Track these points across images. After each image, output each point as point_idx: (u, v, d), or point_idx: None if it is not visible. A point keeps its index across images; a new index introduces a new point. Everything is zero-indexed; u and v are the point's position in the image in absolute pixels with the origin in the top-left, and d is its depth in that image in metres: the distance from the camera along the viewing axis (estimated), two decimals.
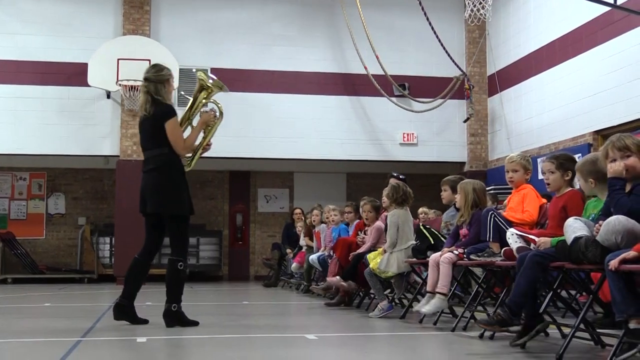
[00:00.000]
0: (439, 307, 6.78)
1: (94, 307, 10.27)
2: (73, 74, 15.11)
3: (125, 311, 7.21)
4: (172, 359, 5.38)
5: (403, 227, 8.17)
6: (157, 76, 7.18)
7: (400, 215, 8.22)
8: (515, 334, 5.47)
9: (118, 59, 14.93)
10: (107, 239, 17.05)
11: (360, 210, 10.01)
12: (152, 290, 13.57)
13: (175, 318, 7.03)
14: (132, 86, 14.98)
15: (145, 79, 7.19)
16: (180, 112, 7.37)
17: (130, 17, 15.80)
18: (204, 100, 7.41)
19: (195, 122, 7.38)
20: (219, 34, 16.15)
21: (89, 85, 14.93)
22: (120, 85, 14.99)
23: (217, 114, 7.38)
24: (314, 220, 12.52)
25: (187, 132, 7.37)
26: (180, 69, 15.24)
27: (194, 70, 7.64)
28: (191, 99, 7.46)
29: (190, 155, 7.42)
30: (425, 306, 6.82)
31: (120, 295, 7.25)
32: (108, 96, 15.45)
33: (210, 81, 7.45)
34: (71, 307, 10.27)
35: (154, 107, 7.07)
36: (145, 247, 7.29)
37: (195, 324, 7.07)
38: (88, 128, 15.36)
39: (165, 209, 7.05)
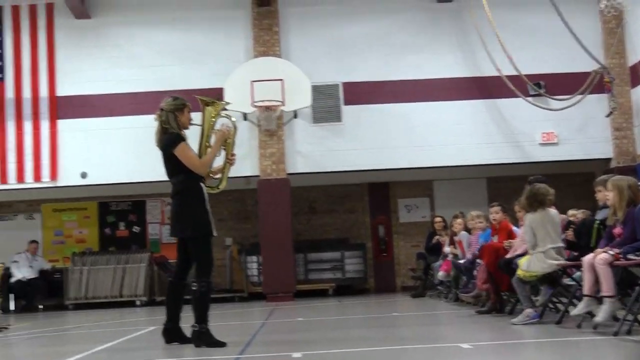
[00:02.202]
0: (612, 311, 6.54)
1: (247, 325, 10.52)
2: (216, 97, 15.54)
3: (173, 334, 7.34)
4: None
5: (538, 229, 7.95)
6: (168, 105, 7.33)
7: (533, 218, 8.01)
8: None
9: (252, 81, 15.23)
10: (254, 258, 17.38)
11: (492, 215, 9.99)
12: (305, 306, 13.78)
13: (200, 339, 7.04)
14: (267, 106, 15.28)
15: (160, 109, 7.36)
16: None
17: (261, 39, 16.16)
18: (212, 118, 7.45)
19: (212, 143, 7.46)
20: (349, 48, 16.25)
21: (225, 109, 15.32)
22: (255, 106, 15.32)
23: (231, 127, 7.45)
24: (455, 229, 12.40)
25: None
26: (312, 86, 15.45)
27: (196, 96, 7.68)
28: (200, 124, 7.47)
29: (218, 176, 7.60)
30: (599, 315, 6.57)
31: (165, 319, 7.39)
32: (245, 118, 15.80)
33: (206, 98, 7.54)
34: (225, 325, 10.53)
35: (162, 137, 7.31)
36: (177, 269, 7.53)
37: (222, 344, 7.02)
38: None
39: (181, 232, 7.28)
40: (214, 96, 7.72)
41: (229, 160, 7.52)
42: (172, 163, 7.29)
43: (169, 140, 7.25)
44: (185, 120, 7.38)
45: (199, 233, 7.20)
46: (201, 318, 7.07)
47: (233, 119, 7.60)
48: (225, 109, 7.69)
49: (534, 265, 7.90)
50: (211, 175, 7.56)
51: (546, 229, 7.98)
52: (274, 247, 15.49)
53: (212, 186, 7.52)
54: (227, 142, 7.44)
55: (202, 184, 7.34)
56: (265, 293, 15.74)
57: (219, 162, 7.61)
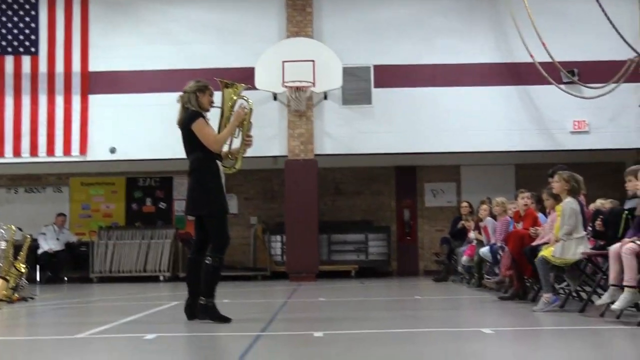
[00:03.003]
0: (630, 301, 6.49)
1: (269, 303, 10.58)
2: (241, 79, 15.44)
3: (195, 310, 7.37)
4: (349, 353, 5.44)
5: (578, 215, 7.92)
6: (191, 87, 7.47)
7: (575, 203, 7.96)
8: None
9: (283, 62, 15.25)
10: (278, 237, 17.48)
11: (523, 200, 9.97)
12: (327, 286, 13.82)
13: (206, 313, 7.17)
14: (297, 87, 15.28)
15: (183, 92, 7.48)
16: None
17: (294, 20, 16.11)
18: (233, 97, 7.57)
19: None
20: (381, 31, 16.17)
21: (256, 89, 15.34)
22: (286, 86, 15.33)
23: (247, 109, 7.50)
24: (481, 215, 12.37)
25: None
26: (344, 68, 15.43)
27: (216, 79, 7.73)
28: (220, 106, 7.59)
29: (234, 155, 7.62)
30: (617, 302, 6.52)
31: (187, 296, 7.47)
32: (275, 98, 15.83)
33: (226, 80, 7.63)
34: (248, 303, 10.63)
35: (183, 115, 7.41)
36: (195, 246, 7.63)
37: (227, 320, 7.12)
38: (256, 130, 15.49)
39: (197, 210, 7.39)
40: (234, 79, 7.75)
41: (245, 142, 7.58)
42: (190, 140, 7.37)
43: (188, 116, 7.35)
44: (205, 102, 7.48)
45: (215, 211, 7.30)
46: (208, 292, 7.21)
47: (250, 100, 7.62)
48: (252, 88, 7.74)
49: (567, 252, 7.84)
50: (229, 156, 7.61)
51: (582, 216, 7.96)
52: (298, 227, 15.54)
53: (228, 166, 7.61)
54: (243, 123, 7.51)
55: (218, 163, 7.42)
56: (288, 272, 15.81)
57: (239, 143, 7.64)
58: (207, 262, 7.22)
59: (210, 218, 7.33)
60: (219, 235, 7.32)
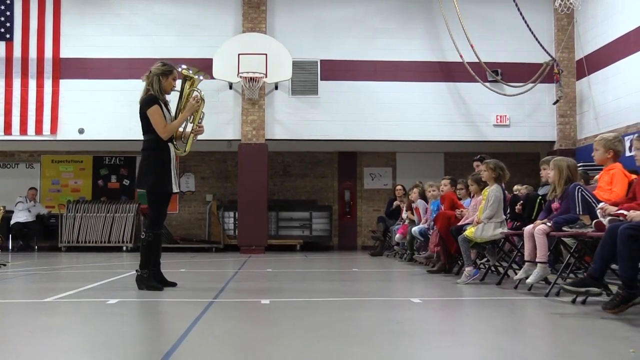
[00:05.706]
0: (542, 275, 6.63)
1: (221, 273, 10.54)
2: (200, 69, 15.37)
3: (157, 278, 7.31)
4: (292, 319, 5.46)
5: (500, 202, 8.06)
6: (156, 69, 7.27)
7: (500, 190, 8.09)
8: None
9: (239, 54, 15.18)
10: (231, 214, 17.43)
11: (446, 187, 10.11)
12: (274, 258, 13.80)
13: (140, 282, 7.14)
14: (251, 78, 15.21)
15: (149, 71, 7.30)
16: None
17: (249, 17, 16.02)
18: (187, 89, 7.43)
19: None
20: (328, 29, 16.18)
21: (214, 78, 15.23)
22: (240, 77, 15.24)
23: (200, 101, 7.38)
24: (412, 197, 12.48)
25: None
26: (293, 62, 15.40)
27: (179, 68, 7.49)
28: (179, 91, 7.47)
29: (185, 139, 7.47)
30: (531, 277, 6.66)
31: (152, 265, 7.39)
32: (230, 87, 15.74)
33: (190, 71, 7.46)
34: (202, 272, 10.58)
35: (143, 97, 7.25)
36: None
37: (159, 289, 7.07)
38: (213, 116, 15.60)
39: (141, 185, 7.30)
40: (194, 70, 7.49)
41: (195, 131, 7.43)
42: (145, 121, 7.22)
43: (146, 100, 7.19)
44: (167, 86, 7.28)
45: (154, 189, 7.18)
46: (142, 264, 7.15)
47: (202, 93, 7.45)
48: (210, 78, 7.56)
49: (486, 232, 7.98)
50: (182, 139, 7.46)
51: (503, 203, 8.10)
52: (249, 205, 15.52)
53: (179, 149, 7.44)
54: (194, 114, 7.38)
55: (170, 145, 7.28)
56: (239, 245, 15.79)
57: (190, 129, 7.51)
58: (141, 236, 7.19)
59: (150, 194, 7.24)
60: (154, 211, 7.24)
